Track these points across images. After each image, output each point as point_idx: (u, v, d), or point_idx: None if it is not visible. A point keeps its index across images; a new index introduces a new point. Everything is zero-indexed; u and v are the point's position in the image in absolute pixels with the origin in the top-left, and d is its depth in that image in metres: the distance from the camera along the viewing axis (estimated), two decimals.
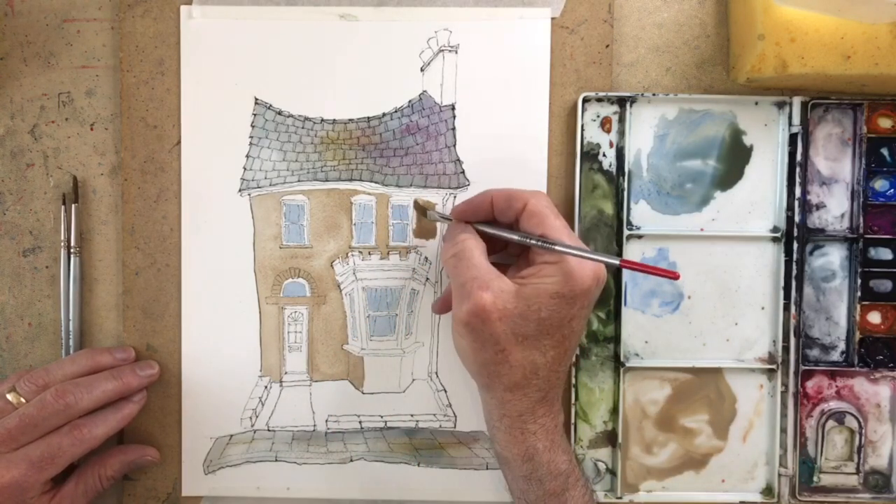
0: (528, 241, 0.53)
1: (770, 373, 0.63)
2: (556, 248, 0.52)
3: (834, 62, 0.56)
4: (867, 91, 0.61)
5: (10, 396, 0.57)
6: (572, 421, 0.63)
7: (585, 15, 0.62)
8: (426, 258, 0.64)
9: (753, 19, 0.57)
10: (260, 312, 0.64)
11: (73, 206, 0.64)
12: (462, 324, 0.53)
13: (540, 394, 0.54)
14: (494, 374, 0.54)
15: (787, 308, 0.62)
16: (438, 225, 0.64)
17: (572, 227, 0.62)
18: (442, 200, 0.63)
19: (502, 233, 0.56)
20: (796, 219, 0.62)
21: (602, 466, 0.64)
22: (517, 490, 0.56)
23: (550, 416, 0.55)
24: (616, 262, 0.51)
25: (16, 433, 0.55)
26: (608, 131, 0.62)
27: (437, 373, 0.65)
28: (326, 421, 0.65)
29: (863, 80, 0.58)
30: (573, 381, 0.63)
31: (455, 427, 0.64)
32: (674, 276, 0.51)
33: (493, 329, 0.52)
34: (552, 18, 0.62)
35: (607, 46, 0.62)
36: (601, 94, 0.62)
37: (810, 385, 0.63)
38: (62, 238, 0.64)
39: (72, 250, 0.63)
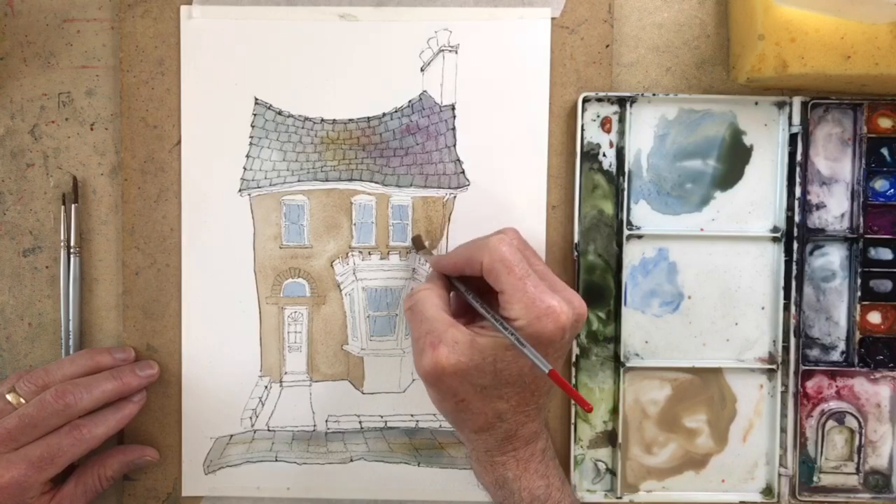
0: (487, 315, 0.52)
1: (770, 373, 0.63)
2: (505, 333, 0.50)
3: (834, 62, 0.56)
4: (867, 91, 0.61)
5: (9, 397, 0.57)
6: (572, 421, 0.63)
7: (585, 15, 0.62)
8: (426, 258, 0.64)
9: (753, 19, 0.57)
10: (260, 312, 0.64)
11: (73, 206, 0.63)
12: (422, 379, 0.53)
13: (507, 433, 0.54)
14: (459, 420, 0.54)
15: (787, 308, 0.62)
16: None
17: (571, 228, 0.62)
18: (442, 201, 0.63)
19: (466, 296, 0.55)
20: (796, 219, 0.62)
21: (602, 466, 0.64)
22: None
23: (524, 448, 0.55)
24: (545, 370, 0.49)
25: (15, 433, 0.55)
26: (608, 131, 0.62)
27: None
28: (326, 421, 0.65)
29: (863, 80, 0.58)
30: (573, 381, 0.63)
31: None
32: (586, 407, 0.49)
33: (450, 383, 0.52)
34: (552, 18, 0.62)
35: (607, 46, 0.62)
36: (601, 94, 0.62)
37: (810, 385, 0.63)
38: (62, 238, 0.63)
39: (72, 250, 0.63)
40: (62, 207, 0.64)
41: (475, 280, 0.55)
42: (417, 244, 0.63)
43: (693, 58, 0.64)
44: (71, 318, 0.64)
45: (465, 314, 0.56)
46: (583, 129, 0.62)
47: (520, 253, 0.53)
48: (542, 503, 0.55)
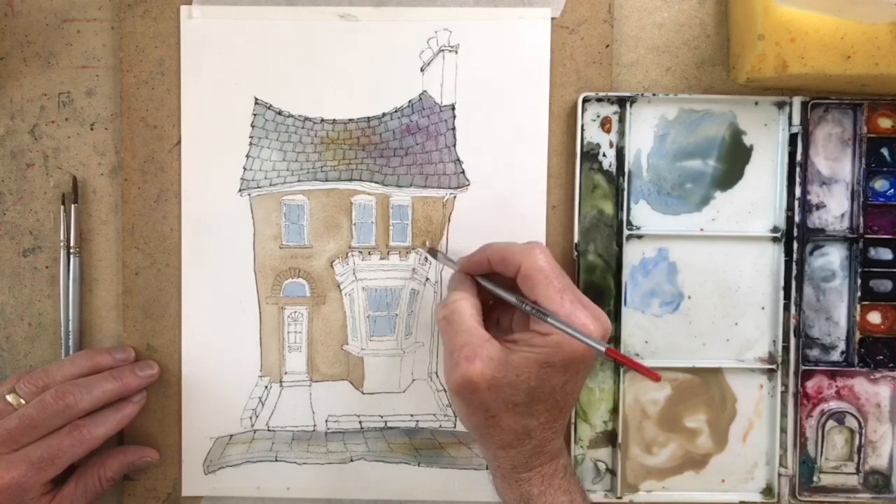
0: (522, 306, 0.53)
1: (770, 373, 0.63)
2: (549, 320, 0.51)
3: (834, 62, 0.56)
4: (867, 91, 0.61)
5: (9, 398, 0.57)
6: (572, 421, 0.63)
7: (585, 15, 0.62)
8: (426, 258, 0.64)
9: (753, 19, 0.57)
10: (260, 312, 0.64)
11: (72, 206, 0.63)
12: (452, 392, 0.53)
13: (534, 450, 0.54)
14: (486, 435, 0.54)
15: (787, 308, 0.62)
16: (444, 268, 0.64)
17: (571, 228, 0.62)
18: (442, 201, 0.63)
19: (500, 293, 0.55)
20: (796, 219, 0.62)
21: (602, 466, 0.64)
22: None
23: (549, 464, 0.55)
24: (602, 348, 0.50)
25: (15, 434, 0.55)
26: (608, 131, 0.62)
27: (437, 373, 0.65)
28: (326, 421, 0.65)
29: (863, 80, 0.58)
30: None
31: (455, 427, 0.64)
32: (654, 376, 0.50)
33: (482, 398, 0.52)
34: (552, 18, 0.62)
35: (607, 46, 0.62)
36: (601, 94, 0.62)
37: (810, 385, 0.63)
38: (62, 238, 0.63)
39: (71, 250, 0.63)
40: (62, 207, 0.64)
41: (498, 282, 0.56)
42: (433, 252, 0.63)
43: (693, 58, 0.64)
44: (71, 318, 0.64)
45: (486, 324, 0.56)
46: (583, 129, 0.62)
47: (558, 267, 0.54)
48: None
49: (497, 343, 0.53)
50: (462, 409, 0.54)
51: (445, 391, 0.64)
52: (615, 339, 0.63)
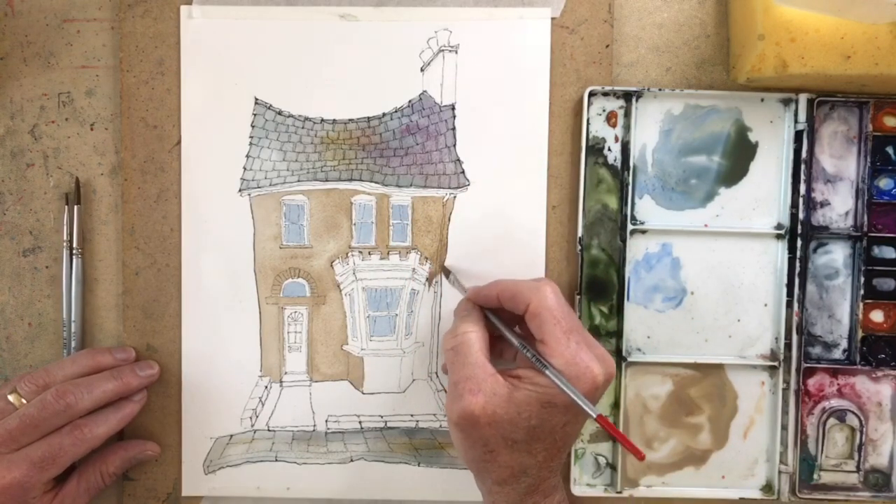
0: (524, 352, 0.53)
1: (772, 370, 0.63)
2: (546, 373, 0.51)
3: (834, 62, 0.56)
4: (867, 91, 0.61)
5: (11, 397, 0.57)
6: None
7: (585, 15, 0.62)
8: (426, 258, 0.64)
9: (753, 19, 0.57)
10: (260, 312, 0.64)
11: (75, 207, 0.63)
12: (452, 423, 0.53)
13: (530, 487, 0.54)
14: (483, 470, 0.54)
15: (789, 305, 0.62)
16: (454, 289, 0.64)
17: (571, 228, 0.62)
18: (442, 201, 0.63)
19: (506, 333, 0.56)
20: (800, 216, 0.62)
21: (602, 461, 0.64)
22: None
23: (543, 500, 0.55)
24: (592, 415, 0.50)
25: (17, 434, 0.55)
26: (614, 126, 0.62)
27: (437, 373, 0.65)
28: (326, 421, 0.65)
29: (863, 80, 0.58)
30: None
31: None
32: (639, 455, 0.49)
33: (482, 432, 0.52)
34: (552, 18, 0.62)
35: (607, 46, 0.62)
36: (607, 88, 0.62)
37: (812, 383, 0.63)
38: (65, 239, 0.63)
39: (74, 252, 0.63)
40: (65, 208, 0.63)
41: (504, 316, 0.56)
42: (447, 273, 0.63)
43: (693, 58, 0.64)
44: (74, 319, 0.63)
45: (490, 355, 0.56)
46: (588, 123, 0.62)
47: (566, 306, 0.54)
48: None
49: (501, 379, 0.52)
50: (461, 442, 0.54)
51: (445, 391, 0.64)
52: (618, 333, 0.63)
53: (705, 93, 0.62)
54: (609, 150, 0.63)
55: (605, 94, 0.62)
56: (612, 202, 0.63)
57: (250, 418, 0.64)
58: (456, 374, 0.54)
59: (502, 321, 0.57)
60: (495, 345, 0.58)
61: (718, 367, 0.63)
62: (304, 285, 0.64)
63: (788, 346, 0.62)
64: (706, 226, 0.63)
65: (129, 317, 0.64)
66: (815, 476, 0.63)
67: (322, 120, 0.63)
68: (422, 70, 0.63)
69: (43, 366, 0.60)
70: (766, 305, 0.63)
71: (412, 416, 0.65)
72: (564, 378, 0.51)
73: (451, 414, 0.53)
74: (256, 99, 0.63)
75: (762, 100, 0.62)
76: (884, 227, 0.63)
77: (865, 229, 0.62)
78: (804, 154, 0.62)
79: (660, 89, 0.62)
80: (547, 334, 0.52)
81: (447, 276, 0.63)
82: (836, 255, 0.63)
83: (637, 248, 0.63)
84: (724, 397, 0.64)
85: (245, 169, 0.63)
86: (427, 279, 0.64)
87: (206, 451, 0.64)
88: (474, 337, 0.55)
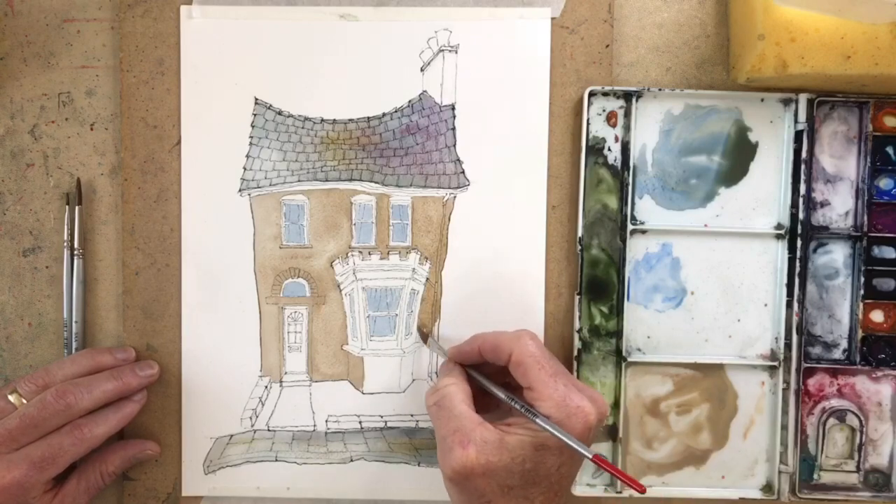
0: (512, 403, 0.53)
1: (772, 370, 0.63)
2: (537, 421, 0.51)
3: (834, 62, 0.56)
4: (867, 91, 0.61)
5: (11, 397, 0.57)
6: None
7: (585, 15, 0.62)
8: (426, 258, 0.64)
9: (753, 19, 0.57)
10: (260, 312, 0.64)
11: (76, 207, 0.63)
12: (447, 479, 0.53)
13: None
14: None
15: (789, 305, 0.62)
16: (435, 354, 0.64)
17: (571, 228, 0.62)
18: (442, 201, 0.63)
19: (490, 387, 0.56)
20: (800, 216, 0.62)
21: None
22: None
23: None
24: (588, 456, 0.50)
25: (17, 433, 0.55)
26: (614, 126, 0.62)
27: (437, 373, 0.65)
28: (326, 421, 0.65)
29: (863, 80, 0.58)
30: (575, 375, 0.63)
31: None
32: (640, 489, 0.49)
33: (477, 484, 0.51)
34: (552, 18, 0.62)
35: (607, 46, 0.62)
36: (607, 88, 0.62)
37: (812, 382, 0.63)
38: (66, 239, 0.63)
39: (75, 252, 0.63)
40: (66, 208, 0.63)
41: (488, 371, 0.56)
42: (424, 338, 0.64)
43: (693, 58, 0.64)
44: (75, 318, 0.63)
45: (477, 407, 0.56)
46: (588, 123, 0.62)
47: (548, 352, 0.54)
48: None
49: (490, 426, 0.52)
50: (456, 496, 0.53)
51: None
52: (618, 334, 0.63)
53: (705, 93, 0.62)
54: (609, 150, 0.62)
55: (605, 94, 0.62)
56: (612, 202, 0.63)
57: (250, 418, 0.64)
58: (442, 428, 0.53)
59: (486, 376, 0.57)
60: (482, 400, 0.57)
61: (718, 367, 0.63)
62: (304, 285, 0.64)
63: (788, 346, 0.62)
64: (706, 226, 0.63)
65: (129, 317, 0.64)
66: (815, 476, 0.63)
67: (322, 120, 0.63)
68: (422, 70, 0.63)
69: (43, 366, 0.60)
70: (766, 305, 0.63)
71: (412, 416, 0.65)
72: (555, 421, 0.51)
73: (445, 469, 0.52)
74: (256, 99, 0.63)
75: (762, 100, 0.62)
76: (884, 227, 0.63)
77: (865, 229, 0.62)
78: (804, 154, 0.62)
79: (660, 89, 0.62)
80: (533, 380, 0.52)
81: (425, 342, 0.64)
82: (836, 255, 0.63)
83: (637, 248, 0.63)
84: (723, 397, 0.64)
85: (245, 169, 0.63)
86: (419, 334, 0.64)
87: (206, 451, 0.64)
88: (455, 388, 0.55)
